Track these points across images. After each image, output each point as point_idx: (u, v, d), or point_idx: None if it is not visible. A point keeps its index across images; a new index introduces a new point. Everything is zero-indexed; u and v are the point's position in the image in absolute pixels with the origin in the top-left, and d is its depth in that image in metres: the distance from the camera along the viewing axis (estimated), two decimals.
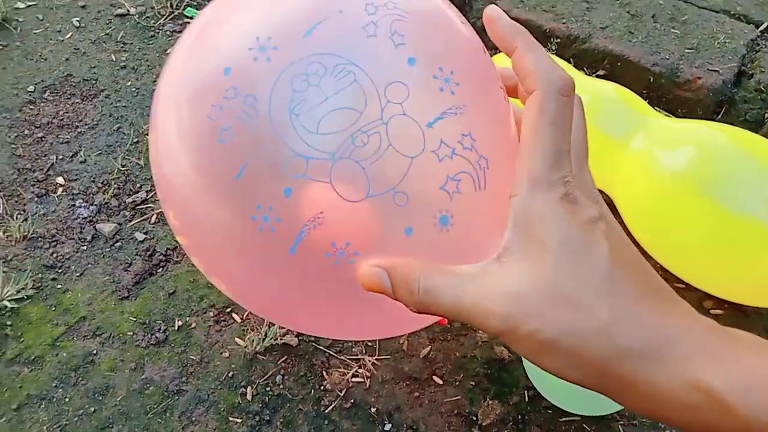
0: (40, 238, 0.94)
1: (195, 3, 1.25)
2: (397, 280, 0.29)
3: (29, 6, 1.26)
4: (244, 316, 0.86)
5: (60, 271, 0.91)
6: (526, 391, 0.79)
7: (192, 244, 0.36)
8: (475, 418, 0.76)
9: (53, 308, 0.87)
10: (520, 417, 0.76)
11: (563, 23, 1.04)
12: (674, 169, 0.75)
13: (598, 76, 1.02)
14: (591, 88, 0.84)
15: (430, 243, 0.31)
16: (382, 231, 0.30)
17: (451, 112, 0.30)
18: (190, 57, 0.33)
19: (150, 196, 0.99)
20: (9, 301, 0.87)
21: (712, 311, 0.85)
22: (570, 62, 1.02)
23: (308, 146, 0.29)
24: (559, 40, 1.04)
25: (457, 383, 0.79)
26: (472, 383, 0.79)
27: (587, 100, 0.82)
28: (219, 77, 0.30)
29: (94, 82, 1.14)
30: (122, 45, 1.20)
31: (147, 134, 1.06)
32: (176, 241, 0.94)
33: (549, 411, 0.77)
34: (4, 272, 0.90)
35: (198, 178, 0.31)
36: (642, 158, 0.77)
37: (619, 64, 1.00)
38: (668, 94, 0.98)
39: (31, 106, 1.11)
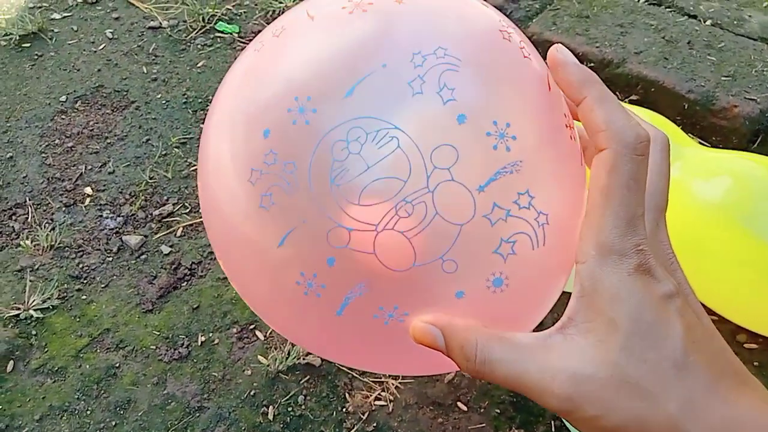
0: (66, 248, 0.95)
1: (227, 18, 1.27)
2: (453, 343, 0.27)
3: (65, 17, 1.28)
4: (267, 333, 0.85)
5: (85, 281, 0.91)
6: (552, 421, 0.77)
7: (242, 294, 0.35)
8: None
9: (77, 319, 0.87)
10: None
11: (597, 47, 1.03)
12: (710, 200, 0.74)
13: (631, 102, 1.01)
14: None
15: (483, 304, 0.29)
16: (432, 295, 0.29)
17: (506, 171, 0.28)
18: (230, 112, 0.32)
19: (176, 209, 1.00)
20: (35, 310, 0.87)
21: (746, 345, 0.83)
22: None
23: (350, 218, 0.27)
24: (592, 64, 1.03)
25: (482, 410, 0.78)
26: (498, 411, 0.77)
27: None
28: (258, 139, 0.29)
29: (124, 93, 1.15)
30: (153, 57, 1.21)
31: (176, 147, 1.07)
32: (201, 255, 0.94)
33: None
34: (30, 281, 0.90)
35: (242, 240, 0.31)
36: (677, 189, 0.75)
37: (653, 89, 0.99)
38: (702, 122, 0.96)
39: (63, 116, 1.12)
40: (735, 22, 1.06)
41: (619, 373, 0.24)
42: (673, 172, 0.77)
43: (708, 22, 1.07)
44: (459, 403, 0.78)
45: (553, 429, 0.76)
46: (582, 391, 0.24)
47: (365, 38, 0.30)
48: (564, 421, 0.75)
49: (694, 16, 1.08)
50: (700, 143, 0.94)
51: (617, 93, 1.01)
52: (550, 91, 0.30)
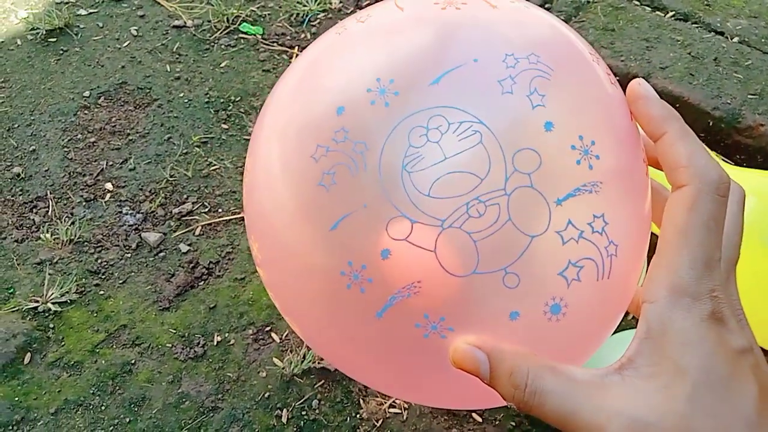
0: (86, 243, 0.95)
1: (251, 19, 1.27)
2: (500, 369, 0.25)
3: (90, 13, 1.29)
4: (283, 336, 0.85)
5: (103, 277, 0.92)
6: None
7: (271, 281, 0.33)
8: None
9: (95, 314, 0.88)
10: None
11: (622, 61, 1.03)
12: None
13: None
14: None
15: (536, 331, 0.27)
16: (484, 311, 0.27)
17: (586, 189, 0.26)
18: (300, 88, 0.30)
19: (196, 208, 1.00)
20: (53, 303, 0.87)
21: None
22: None
23: (416, 208, 0.26)
24: (617, 78, 1.02)
25: (497, 422, 0.77)
26: (513, 424, 0.77)
27: None
28: (330, 116, 0.28)
29: (147, 90, 1.16)
30: (177, 56, 1.22)
31: (196, 146, 1.07)
32: (219, 255, 0.94)
33: None
34: (49, 274, 0.91)
35: (290, 217, 0.29)
36: None
37: (677, 105, 0.98)
38: (727, 139, 0.95)
39: (86, 111, 1.13)
40: (763, 40, 1.05)
41: (686, 425, 0.22)
42: None
43: (735, 39, 1.06)
44: (474, 414, 0.78)
45: None
46: None
47: (457, 31, 0.28)
48: None
49: (721, 33, 1.08)
50: (723, 161, 0.93)
51: None
52: (631, 122, 0.29)
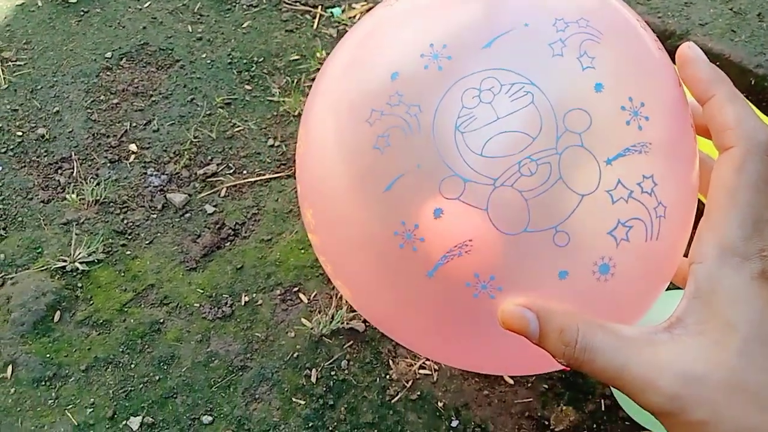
0: (111, 204, 0.95)
1: None
2: (550, 327, 0.26)
3: None
4: (312, 297, 0.84)
5: (130, 237, 0.91)
6: (602, 400, 0.75)
7: (324, 245, 0.34)
8: (547, 423, 0.73)
9: (122, 274, 0.87)
10: (595, 426, 0.73)
11: (659, 17, 0.99)
12: None
13: None
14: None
15: (584, 291, 0.28)
16: (533, 270, 0.28)
17: (636, 149, 0.27)
18: (355, 56, 0.31)
19: (220, 169, 0.99)
20: (80, 263, 0.87)
21: None
22: None
23: (469, 168, 0.26)
24: (654, 34, 0.98)
25: (529, 385, 0.76)
26: (545, 386, 0.76)
27: None
28: (384, 81, 0.28)
29: (169, 51, 1.14)
30: (199, 17, 1.19)
31: (220, 107, 1.05)
32: (245, 217, 0.93)
33: (626, 423, 0.73)
34: (76, 234, 0.91)
35: (345, 181, 0.30)
36: None
37: (717, 63, 0.94)
38: None
39: (108, 73, 1.11)
40: None
41: (737, 379, 0.22)
42: None
43: None
44: (505, 377, 0.77)
45: (603, 407, 0.74)
46: (692, 391, 0.22)
47: None
48: (617, 397, 0.73)
49: None
50: None
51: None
52: (680, 87, 0.29)
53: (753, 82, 0.92)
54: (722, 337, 0.23)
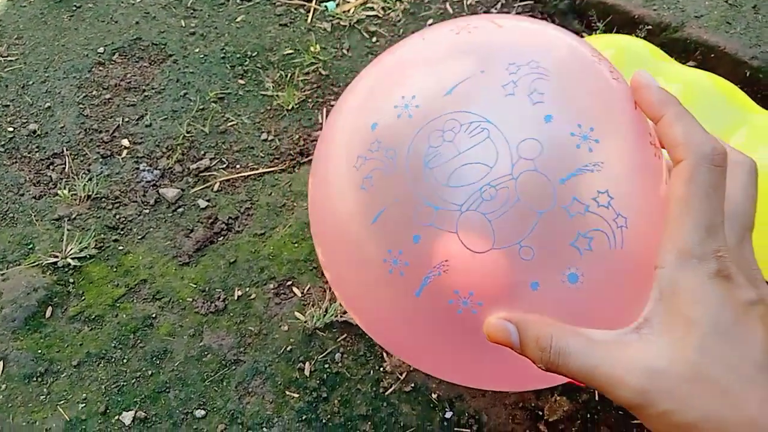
0: (103, 199, 0.94)
1: None
2: (527, 336, 0.28)
3: None
4: (305, 290, 0.84)
5: (122, 232, 0.91)
6: (596, 390, 0.75)
7: (334, 279, 0.39)
8: (541, 413, 0.73)
9: (114, 269, 0.87)
10: (589, 416, 0.72)
11: (654, 10, 0.99)
12: None
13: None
14: (684, 78, 0.79)
15: (558, 300, 0.30)
16: (506, 283, 0.30)
17: (588, 169, 0.30)
18: (347, 112, 0.37)
19: (213, 164, 0.98)
20: (72, 258, 0.87)
21: None
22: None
23: (438, 197, 0.30)
24: (649, 27, 0.98)
25: None
26: None
27: (679, 91, 0.77)
28: (367, 131, 0.33)
29: (162, 46, 1.13)
30: (192, 11, 1.19)
31: (213, 102, 1.05)
32: (238, 211, 0.93)
33: (620, 412, 0.73)
34: (68, 230, 0.90)
35: (341, 218, 0.34)
36: None
37: (712, 55, 0.94)
38: (765, 90, 0.91)
39: (101, 68, 1.11)
40: None
41: (697, 371, 0.24)
42: (738, 138, 0.74)
43: None
44: None
45: (596, 397, 0.74)
46: (657, 385, 0.24)
47: (467, 50, 0.34)
48: None
49: None
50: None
51: (674, 57, 0.97)
52: (636, 110, 0.32)
53: (748, 74, 0.92)
54: (683, 334, 0.24)
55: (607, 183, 0.30)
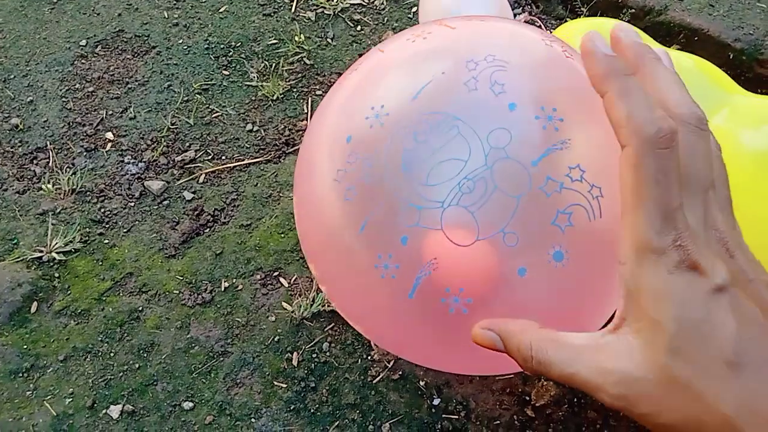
0: (88, 193, 0.94)
1: None
2: (510, 345, 0.29)
3: None
4: (292, 280, 0.83)
5: (107, 226, 0.90)
6: None
7: (331, 292, 0.40)
8: (528, 398, 0.73)
9: (100, 263, 0.86)
10: (576, 400, 0.73)
11: None
12: (760, 148, 0.70)
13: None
14: None
15: (547, 281, 0.31)
16: (494, 274, 0.31)
17: (557, 147, 0.31)
18: (322, 130, 0.38)
19: (199, 156, 0.98)
20: (57, 253, 0.86)
21: None
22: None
23: (419, 197, 0.31)
24: (633, 10, 0.98)
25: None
26: None
27: None
28: (343, 145, 0.34)
29: (145, 38, 1.12)
30: (175, 2, 1.17)
31: (198, 93, 1.04)
32: (224, 202, 0.92)
33: None
34: (52, 224, 0.89)
35: (330, 235, 0.35)
36: (724, 137, 0.71)
37: (696, 38, 0.94)
38: (748, 72, 0.91)
39: (83, 61, 1.10)
40: None
41: (669, 375, 0.23)
42: (719, 120, 0.74)
43: None
44: None
45: None
46: (633, 391, 0.24)
47: (426, 55, 0.35)
48: None
49: None
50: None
51: (658, 40, 0.96)
52: None
53: (731, 57, 0.92)
54: (653, 336, 0.24)
55: (578, 158, 0.31)
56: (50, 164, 0.97)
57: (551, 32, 0.99)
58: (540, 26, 1.06)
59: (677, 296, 0.24)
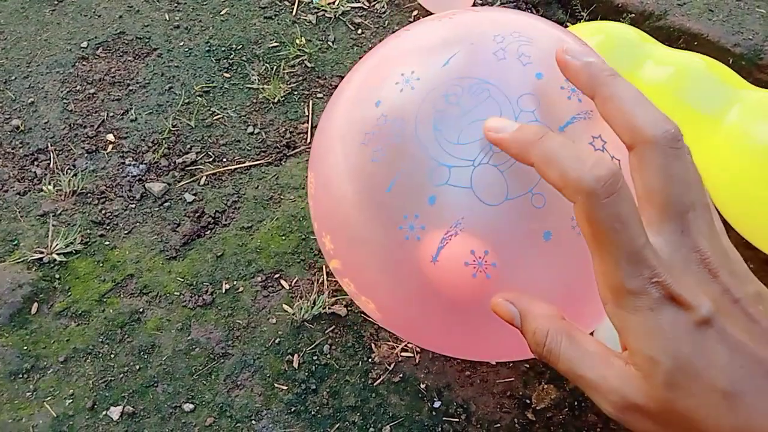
0: (89, 194, 0.94)
1: None
2: (527, 325, 0.28)
3: None
4: (293, 282, 0.84)
5: (108, 227, 0.90)
6: None
7: (344, 266, 0.39)
8: (528, 401, 0.73)
9: (101, 264, 0.86)
10: (576, 403, 0.73)
11: None
12: None
13: None
14: (675, 60, 0.79)
15: (570, 248, 0.31)
16: (520, 236, 0.31)
17: (580, 117, 0.32)
18: (348, 97, 0.38)
19: (200, 157, 0.98)
20: (58, 254, 0.86)
21: None
22: None
23: (450, 155, 0.31)
24: (632, 15, 0.98)
25: (511, 365, 0.76)
26: (527, 365, 0.76)
27: (672, 73, 0.77)
28: (371, 110, 0.34)
29: (146, 40, 1.12)
30: (176, 4, 1.18)
31: (198, 95, 1.04)
32: (225, 204, 0.92)
33: None
34: (53, 226, 0.89)
35: (354, 196, 0.35)
36: (737, 132, 0.71)
37: (696, 43, 0.95)
38: (748, 77, 0.92)
39: (84, 62, 1.10)
40: None
41: (668, 408, 0.24)
42: (732, 116, 0.74)
43: None
44: None
45: None
46: (633, 417, 0.25)
47: (453, 32, 0.36)
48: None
49: None
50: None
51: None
52: None
53: (731, 61, 0.92)
54: (649, 370, 0.24)
55: (600, 128, 0.32)
56: (51, 166, 0.97)
57: None
58: None
59: (665, 332, 0.24)
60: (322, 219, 0.40)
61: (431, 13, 1.12)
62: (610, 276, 0.25)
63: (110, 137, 1.00)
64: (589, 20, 1.05)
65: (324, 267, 0.84)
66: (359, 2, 1.17)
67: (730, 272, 0.25)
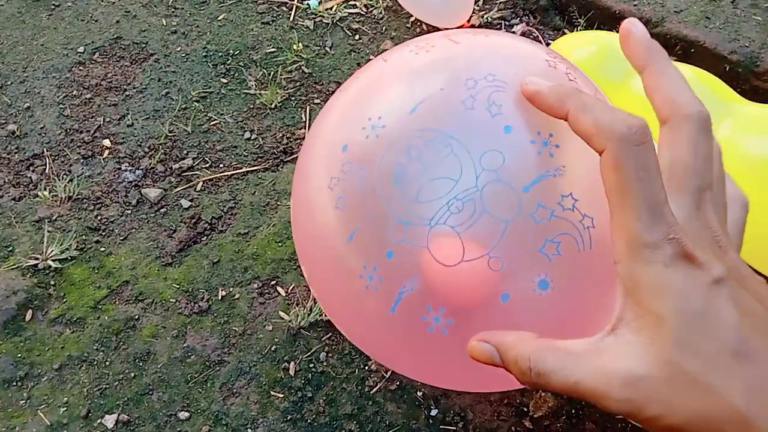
0: (85, 200, 0.93)
1: None
2: (507, 358, 0.28)
3: None
4: (289, 290, 0.83)
5: (104, 233, 0.90)
6: None
7: (319, 295, 0.40)
8: (526, 410, 0.73)
9: (96, 270, 0.86)
10: (574, 411, 0.73)
11: (634, 5, 0.99)
12: (763, 156, 0.70)
13: None
14: None
15: (530, 309, 0.31)
16: (476, 297, 0.31)
17: (550, 174, 0.30)
18: (321, 137, 0.38)
19: (196, 163, 0.97)
20: (53, 260, 0.86)
21: None
22: None
23: (408, 212, 0.31)
24: None
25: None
26: None
27: None
28: (338, 153, 0.34)
29: (143, 45, 1.12)
30: (173, 9, 1.18)
31: (195, 101, 1.04)
32: (221, 210, 0.92)
33: None
34: (49, 232, 0.89)
35: (321, 239, 0.35)
36: (728, 146, 0.71)
37: (692, 50, 0.95)
38: (744, 85, 0.92)
39: (81, 67, 1.09)
40: None
41: (675, 371, 0.23)
42: (723, 129, 0.74)
43: None
44: None
45: None
46: (640, 392, 0.23)
47: (427, 70, 0.35)
48: None
49: None
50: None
51: None
52: None
53: (727, 69, 0.92)
54: (655, 332, 0.24)
55: (571, 186, 0.30)
56: (47, 171, 0.96)
57: (549, 44, 0.99)
58: (537, 37, 1.07)
59: (677, 288, 0.23)
60: (298, 248, 0.40)
61: (426, 20, 1.12)
62: (628, 228, 0.24)
63: (106, 142, 1.00)
64: (586, 27, 1.05)
65: None
66: (357, 8, 1.17)
67: (737, 255, 0.25)
